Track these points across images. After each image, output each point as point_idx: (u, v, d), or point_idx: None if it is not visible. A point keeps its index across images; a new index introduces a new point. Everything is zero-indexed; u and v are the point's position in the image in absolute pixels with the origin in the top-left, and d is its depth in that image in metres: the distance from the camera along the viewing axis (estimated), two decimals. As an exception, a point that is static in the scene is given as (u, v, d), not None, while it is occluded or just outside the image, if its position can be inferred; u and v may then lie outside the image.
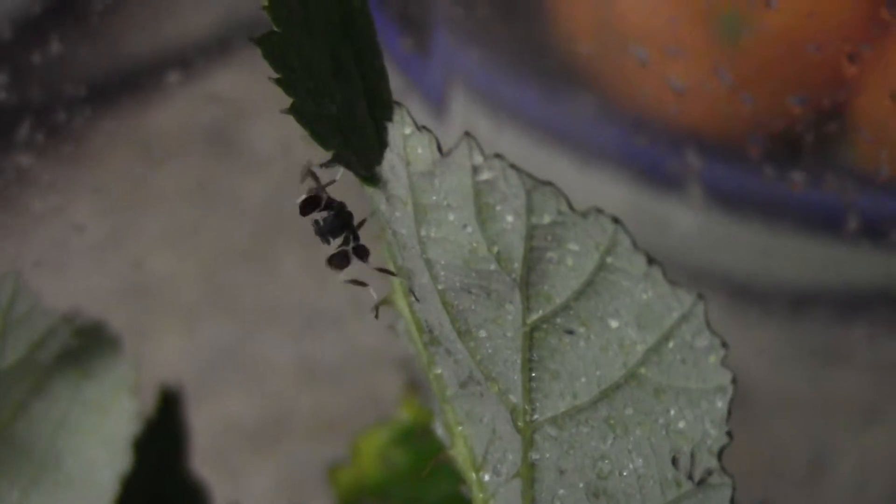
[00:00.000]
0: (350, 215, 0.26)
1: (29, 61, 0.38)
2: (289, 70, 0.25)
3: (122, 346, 0.34)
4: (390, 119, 0.25)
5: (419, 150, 0.24)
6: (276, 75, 0.25)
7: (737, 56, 0.40)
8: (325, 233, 0.25)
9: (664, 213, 0.41)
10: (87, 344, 0.33)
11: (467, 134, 0.24)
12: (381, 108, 0.26)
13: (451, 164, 0.24)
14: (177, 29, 0.50)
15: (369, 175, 0.25)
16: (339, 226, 0.26)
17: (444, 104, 0.44)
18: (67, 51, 0.39)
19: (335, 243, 0.26)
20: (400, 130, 0.24)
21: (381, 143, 0.26)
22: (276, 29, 0.25)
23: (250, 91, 0.49)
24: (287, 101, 0.24)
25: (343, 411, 0.48)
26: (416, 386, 0.39)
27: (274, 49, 0.25)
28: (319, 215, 0.26)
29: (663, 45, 0.40)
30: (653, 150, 0.41)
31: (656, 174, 0.41)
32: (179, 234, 0.51)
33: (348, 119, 0.26)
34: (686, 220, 0.41)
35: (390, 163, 0.25)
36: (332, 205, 0.26)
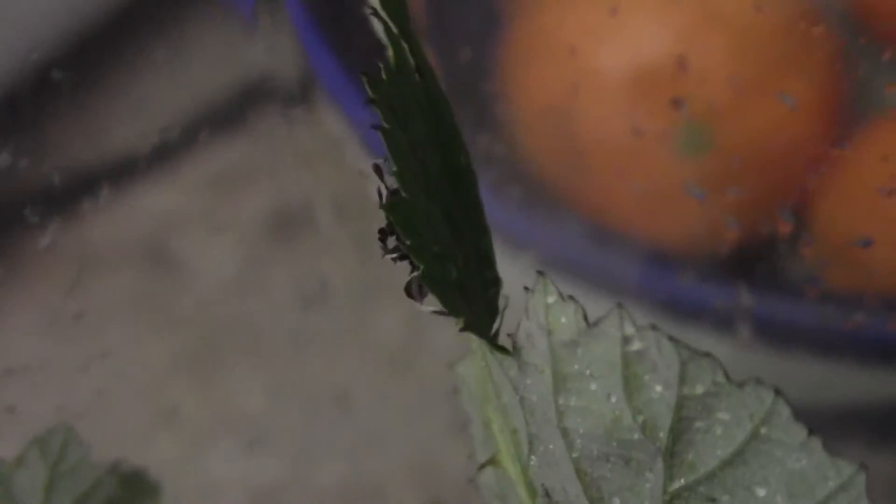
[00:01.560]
0: None
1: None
2: (418, 235, 0.25)
3: (161, 491, 0.33)
4: (498, 281, 0.25)
5: (563, 320, 0.24)
6: (406, 241, 0.25)
7: (702, 168, 0.41)
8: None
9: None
10: (130, 493, 0.32)
11: (619, 305, 0.24)
12: (490, 268, 0.26)
13: (598, 333, 0.24)
14: (110, 143, 0.49)
15: (496, 341, 0.25)
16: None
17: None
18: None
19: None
20: (542, 299, 0.24)
21: (492, 307, 0.25)
22: (404, 195, 0.25)
23: (185, 205, 0.48)
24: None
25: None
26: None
27: (405, 215, 0.24)
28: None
29: (625, 162, 0.41)
30: (626, 268, 0.41)
31: (621, 287, 0.41)
32: (116, 350, 0.50)
33: (469, 283, 0.26)
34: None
35: (527, 331, 0.25)
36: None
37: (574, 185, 0.42)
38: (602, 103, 0.40)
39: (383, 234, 0.25)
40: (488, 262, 0.26)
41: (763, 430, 0.24)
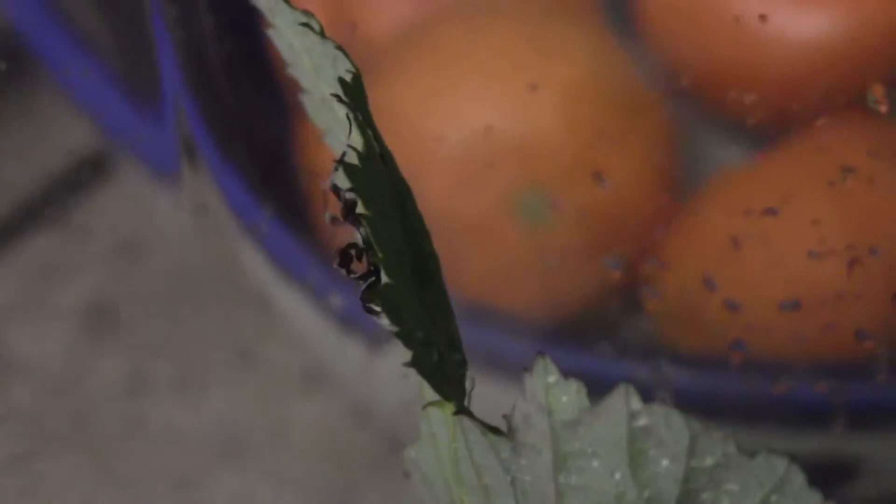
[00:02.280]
0: None
1: None
2: (405, 322, 0.24)
3: None
4: (465, 363, 0.25)
5: (564, 399, 0.24)
6: (393, 328, 0.24)
7: (553, 237, 0.41)
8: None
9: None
10: None
11: (625, 382, 0.24)
12: (458, 350, 0.26)
13: (603, 411, 0.24)
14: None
15: (489, 427, 0.24)
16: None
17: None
18: None
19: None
20: (542, 380, 0.24)
21: (463, 388, 0.25)
22: (390, 282, 0.24)
23: (13, 295, 0.46)
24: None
25: None
26: None
27: (392, 302, 0.24)
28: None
29: (475, 237, 0.41)
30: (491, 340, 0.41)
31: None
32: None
33: (447, 366, 0.25)
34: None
35: (524, 412, 0.24)
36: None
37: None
38: (441, 179, 0.40)
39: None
40: (456, 344, 0.26)
41: (773, 499, 0.24)
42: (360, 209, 0.23)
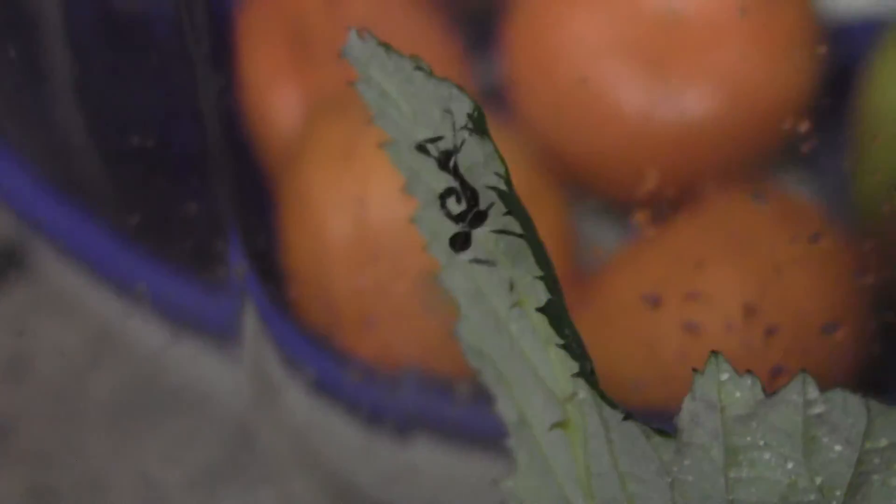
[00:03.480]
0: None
1: None
2: (566, 336, 0.23)
3: None
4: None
5: (737, 394, 0.23)
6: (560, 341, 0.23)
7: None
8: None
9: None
10: None
11: (804, 371, 0.23)
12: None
13: (778, 402, 0.23)
14: None
15: (654, 429, 0.24)
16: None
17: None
18: None
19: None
20: (714, 378, 0.23)
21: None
22: (553, 297, 0.23)
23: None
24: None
25: None
26: None
27: (554, 316, 0.23)
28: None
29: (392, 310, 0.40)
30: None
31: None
32: None
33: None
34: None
35: (691, 411, 0.24)
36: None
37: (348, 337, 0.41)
38: (345, 265, 0.39)
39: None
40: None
41: (946, 473, 0.24)
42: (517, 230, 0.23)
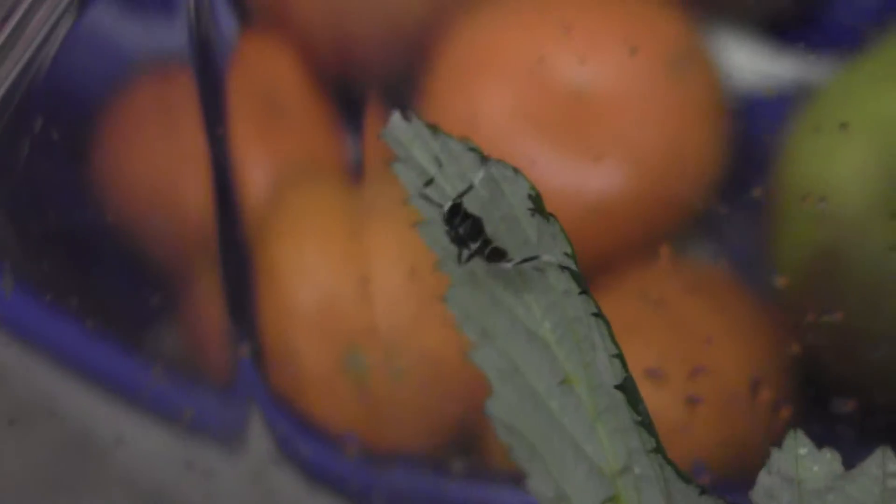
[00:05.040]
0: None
1: None
2: (640, 412, 0.23)
3: None
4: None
5: (815, 468, 0.23)
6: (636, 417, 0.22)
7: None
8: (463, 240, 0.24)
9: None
10: None
11: (883, 446, 0.23)
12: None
13: (858, 475, 0.23)
14: None
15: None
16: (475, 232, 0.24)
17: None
18: None
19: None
20: (793, 452, 0.23)
21: None
22: (629, 375, 0.23)
23: None
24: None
25: None
26: None
27: (630, 393, 0.23)
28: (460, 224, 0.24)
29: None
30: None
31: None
32: None
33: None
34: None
35: (767, 486, 0.23)
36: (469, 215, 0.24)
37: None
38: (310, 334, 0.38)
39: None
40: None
41: None
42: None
